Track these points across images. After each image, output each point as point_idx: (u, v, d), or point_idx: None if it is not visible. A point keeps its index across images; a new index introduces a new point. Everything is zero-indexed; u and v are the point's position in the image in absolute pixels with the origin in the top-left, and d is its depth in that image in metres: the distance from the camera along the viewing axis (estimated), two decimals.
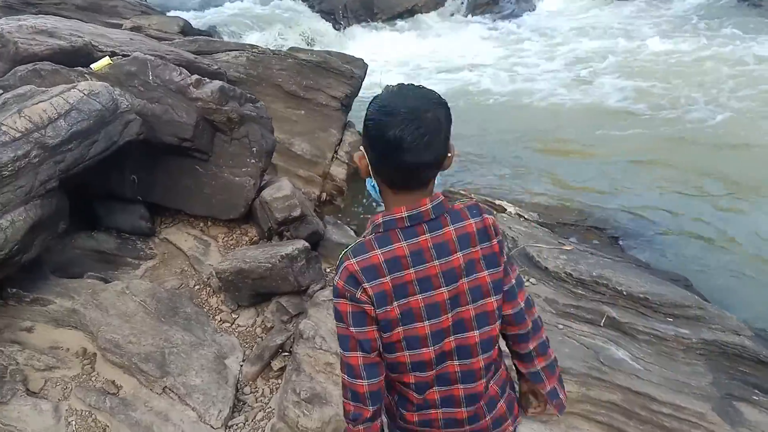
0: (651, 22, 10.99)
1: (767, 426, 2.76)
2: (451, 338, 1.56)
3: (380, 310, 1.48)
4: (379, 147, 1.42)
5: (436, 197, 1.50)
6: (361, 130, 1.69)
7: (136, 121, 3.76)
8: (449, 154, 1.46)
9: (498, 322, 1.61)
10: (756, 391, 2.95)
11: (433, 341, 1.54)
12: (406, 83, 1.48)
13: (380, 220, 1.51)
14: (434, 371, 1.58)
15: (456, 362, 1.59)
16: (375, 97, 1.47)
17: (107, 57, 4.15)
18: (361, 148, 1.50)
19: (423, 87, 1.47)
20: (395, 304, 1.49)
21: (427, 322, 1.52)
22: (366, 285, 1.47)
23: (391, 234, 1.49)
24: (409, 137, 1.36)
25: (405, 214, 1.48)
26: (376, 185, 1.52)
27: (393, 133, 1.37)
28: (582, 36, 10.81)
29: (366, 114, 1.45)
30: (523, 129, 7.34)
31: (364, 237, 1.55)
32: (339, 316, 1.52)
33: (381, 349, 1.54)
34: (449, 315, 1.54)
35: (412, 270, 1.49)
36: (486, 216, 1.57)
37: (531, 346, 1.71)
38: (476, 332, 1.57)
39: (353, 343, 1.51)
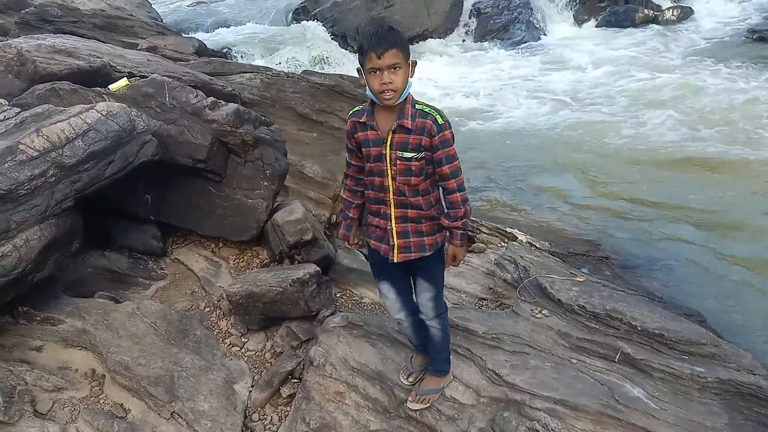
0: (660, 53, 11.02)
1: None
2: None
3: None
4: None
5: None
6: None
7: (152, 142, 3.77)
8: None
9: None
10: None
11: None
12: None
13: None
14: None
15: None
16: None
17: (125, 78, 4.19)
18: None
19: None
20: None
21: None
22: None
23: None
24: None
25: None
26: None
27: None
28: (591, 65, 10.87)
29: None
30: (533, 156, 7.35)
31: None
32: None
33: None
34: None
35: None
36: None
37: None
38: None
39: None
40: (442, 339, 2.83)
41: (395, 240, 2.55)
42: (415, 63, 2.41)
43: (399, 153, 2.42)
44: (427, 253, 2.57)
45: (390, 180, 2.47)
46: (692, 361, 3.09)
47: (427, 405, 2.90)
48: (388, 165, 2.45)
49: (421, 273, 2.66)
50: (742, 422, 2.93)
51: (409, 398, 2.93)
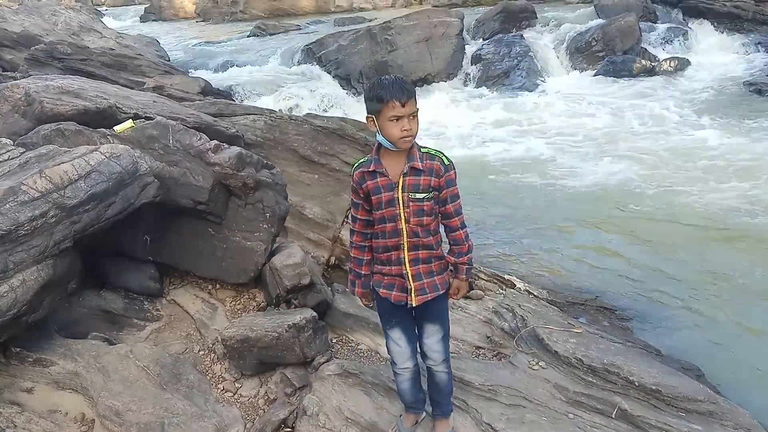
0: (659, 103, 11.18)
1: None
2: None
3: None
4: None
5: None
6: None
7: (153, 183, 3.81)
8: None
9: None
10: None
11: None
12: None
13: None
14: None
15: None
16: None
17: (130, 120, 4.25)
18: None
19: None
20: None
21: None
22: None
23: None
24: None
25: None
26: None
27: None
28: (589, 114, 11.01)
29: None
30: (531, 202, 7.39)
31: None
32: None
33: None
34: None
35: None
36: None
37: None
38: None
39: None
40: (448, 381, 2.88)
41: (412, 283, 2.62)
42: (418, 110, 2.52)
43: (411, 195, 2.53)
44: (441, 292, 2.67)
45: (403, 223, 2.56)
46: (689, 419, 3.05)
47: None
48: (401, 208, 2.54)
49: (431, 315, 2.72)
50: None
51: None
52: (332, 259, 5.78)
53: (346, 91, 13.04)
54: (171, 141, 4.11)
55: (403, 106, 2.40)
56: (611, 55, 13.62)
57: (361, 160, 2.65)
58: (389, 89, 2.41)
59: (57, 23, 13.74)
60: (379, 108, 2.43)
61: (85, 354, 3.42)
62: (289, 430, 3.28)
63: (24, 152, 3.60)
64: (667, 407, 3.12)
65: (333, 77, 13.42)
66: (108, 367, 3.35)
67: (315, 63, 13.91)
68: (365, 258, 2.75)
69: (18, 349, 3.31)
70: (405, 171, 2.52)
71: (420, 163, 2.52)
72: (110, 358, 3.42)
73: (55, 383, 3.29)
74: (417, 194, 2.52)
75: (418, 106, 2.47)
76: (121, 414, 3.10)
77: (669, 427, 2.99)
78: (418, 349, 2.84)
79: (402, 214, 2.55)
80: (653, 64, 13.14)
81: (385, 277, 2.69)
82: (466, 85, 13.73)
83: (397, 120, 2.42)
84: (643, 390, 3.17)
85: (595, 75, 13.44)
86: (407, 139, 2.45)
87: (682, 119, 10.25)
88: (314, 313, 3.80)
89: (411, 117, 2.44)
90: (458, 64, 14.02)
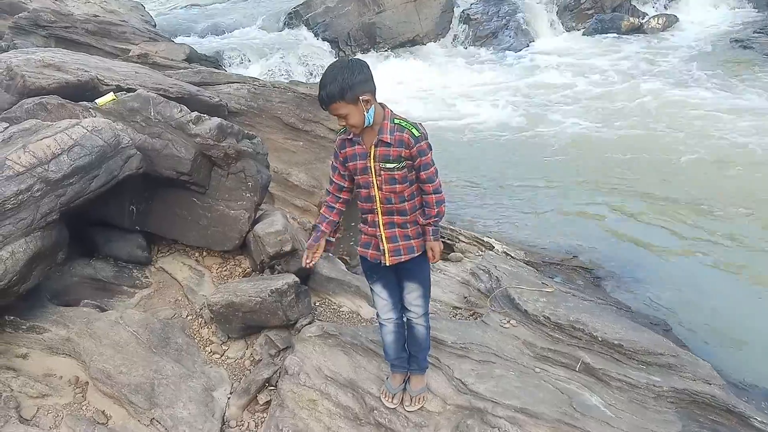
0: (647, 63, 11.17)
1: None
2: None
3: None
4: None
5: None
6: None
7: (136, 156, 3.90)
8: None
9: None
10: None
11: None
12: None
13: None
14: None
15: None
16: None
17: (112, 93, 4.31)
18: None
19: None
20: None
21: None
22: None
23: None
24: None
25: None
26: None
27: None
28: (578, 72, 11.02)
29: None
30: (515, 163, 7.50)
31: None
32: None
33: None
34: None
35: None
36: None
37: None
38: None
39: None
40: (426, 336, 3.07)
41: (385, 245, 2.81)
42: (371, 95, 2.58)
43: (382, 164, 2.69)
44: (416, 254, 2.83)
45: (376, 190, 2.73)
46: (649, 371, 3.24)
47: (424, 402, 3.11)
48: (374, 176, 2.71)
49: (410, 274, 2.90)
50: (697, 429, 3.09)
51: (405, 403, 3.10)
52: None
53: (333, 52, 12.96)
54: (152, 113, 4.19)
55: (326, 110, 2.63)
56: (600, 12, 13.53)
57: (344, 127, 2.77)
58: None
59: None
60: (375, 88, 2.60)
61: (77, 321, 3.58)
62: (272, 388, 3.46)
63: (7, 127, 3.68)
64: (628, 360, 3.31)
65: (321, 40, 13.32)
66: (99, 332, 3.50)
67: (302, 25, 13.78)
68: (330, 218, 2.92)
69: (11, 318, 3.46)
70: (375, 142, 2.67)
71: (389, 136, 2.65)
72: (101, 324, 3.57)
73: (49, 349, 3.45)
74: (387, 164, 2.68)
75: (350, 104, 2.57)
76: (113, 376, 3.27)
77: (629, 379, 3.18)
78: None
79: (374, 182, 2.72)
80: (641, 21, 13.08)
81: (363, 236, 2.90)
82: (454, 46, 13.65)
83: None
84: (606, 344, 3.35)
85: (584, 34, 13.37)
86: (350, 129, 2.67)
87: (665, 77, 10.26)
88: (296, 278, 3.94)
89: (340, 117, 2.63)
90: (446, 25, 13.91)
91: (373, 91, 2.60)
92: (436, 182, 2.77)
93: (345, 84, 2.51)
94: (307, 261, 2.95)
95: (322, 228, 2.93)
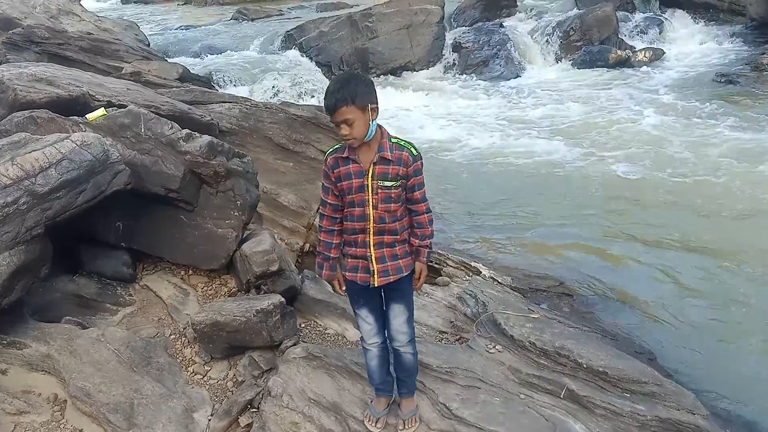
0: (633, 95, 11.36)
1: None
2: None
3: None
4: None
5: None
6: None
7: (124, 171, 3.89)
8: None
9: None
10: None
11: None
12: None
13: None
14: None
15: None
16: None
17: (102, 108, 4.32)
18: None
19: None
20: None
21: None
22: None
23: None
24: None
25: None
26: None
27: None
28: (567, 103, 11.16)
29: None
30: (502, 190, 7.55)
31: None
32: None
33: None
34: None
35: None
36: None
37: None
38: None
39: None
40: (414, 362, 3.05)
41: (375, 266, 2.79)
42: (376, 107, 2.63)
43: (380, 183, 2.69)
44: (404, 274, 2.83)
45: (371, 209, 2.73)
46: (633, 399, 3.23)
47: (417, 425, 3.08)
48: (370, 194, 2.71)
49: (396, 295, 2.89)
50: None
51: (399, 427, 3.07)
52: (307, 246, 5.90)
53: (326, 77, 13.07)
54: (143, 129, 4.19)
55: (331, 116, 2.64)
56: (589, 44, 13.77)
57: (336, 146, 2.79)
58: (325, 97, 2.62)
59: (35, 6, 13.56)
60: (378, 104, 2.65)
61: (58, 337, 3.53)
62: (255, 410, 3.41)
63: None
64: (613, 388, 3.30)
65: (314, 64, 13.44)
66: (79, 350, 3.45)
67: (296, 49, 13.91)
68: (334, 242, 2.88)
69: None
70: (375, 160, 2.68)
71: (390, 153, 2.68)
72: (82, 341, 3.52)
73: (29, 365, 3.40)
74: (386, 182, 2.69)
75: (358, 111, 2.60)
76: (92, 395, 3.22)
77: (613, 407, 3.17)
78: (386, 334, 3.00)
79: (370, 200, 2.72)
80: (629, 54, 13.32)
81: (350, 260, 2.86)
82: (445, 73, 13.82)
83: (336, 125, 2.65)
84: (591, 372, 3.34)
85: (572, 65, 13.59)
86: (349, 141, 2.65)
87: (647, 109, 10.42)
88: (282, 299, 3.92)
89: (344, 125, 2.62)
90: (438, 52, 14.10)
91: (378, 105, 2.64)
92: (427, 202, 2.83)
93: (357, 89, 2.56)
94: (342, 291, 2.96)
95: (333, 255, 2.89)
